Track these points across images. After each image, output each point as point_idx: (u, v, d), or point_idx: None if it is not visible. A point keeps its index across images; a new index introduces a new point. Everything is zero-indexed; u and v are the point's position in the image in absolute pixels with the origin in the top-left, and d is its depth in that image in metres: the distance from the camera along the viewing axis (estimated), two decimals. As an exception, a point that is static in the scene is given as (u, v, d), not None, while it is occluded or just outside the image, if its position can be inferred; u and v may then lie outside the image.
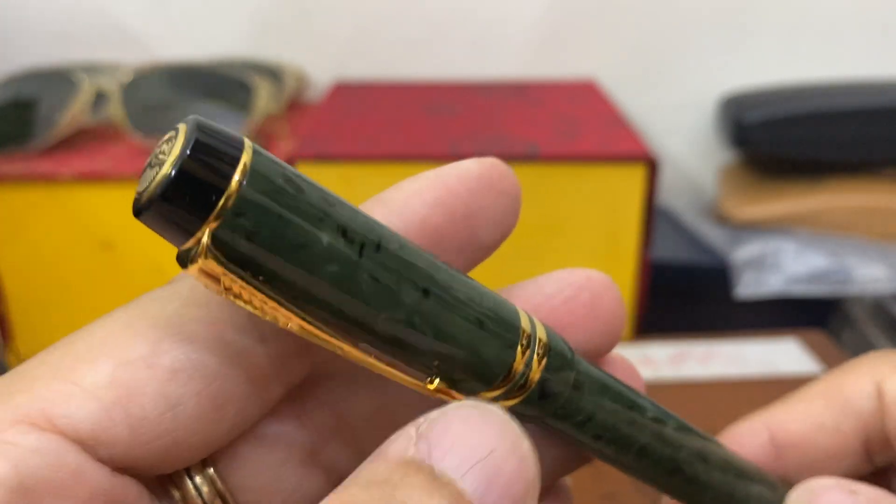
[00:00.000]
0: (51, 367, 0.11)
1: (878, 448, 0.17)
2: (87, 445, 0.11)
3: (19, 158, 0.40)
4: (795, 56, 0.54)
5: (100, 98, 0.43)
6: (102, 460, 0.11)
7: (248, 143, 0.10)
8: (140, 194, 0.10)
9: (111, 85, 0.42)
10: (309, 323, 0.11)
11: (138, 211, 0.10)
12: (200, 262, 0.10)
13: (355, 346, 0.12)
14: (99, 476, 0.11)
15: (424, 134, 0.40)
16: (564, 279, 0.14)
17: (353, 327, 0.11)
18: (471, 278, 0.13)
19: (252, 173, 0.10)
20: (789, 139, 0.47)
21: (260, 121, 0.42)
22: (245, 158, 0.10)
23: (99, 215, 0.39)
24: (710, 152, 0.56)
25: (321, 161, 0.36)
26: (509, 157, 0.36)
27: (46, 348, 0.12)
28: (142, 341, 0.11)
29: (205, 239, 0.10)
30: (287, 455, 0.13)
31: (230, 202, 0.10)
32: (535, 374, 0.13)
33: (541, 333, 0.13)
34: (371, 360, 0.12)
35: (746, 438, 0.17)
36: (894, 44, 0.54)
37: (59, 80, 0.42)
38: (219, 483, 0.13)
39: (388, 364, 0.12)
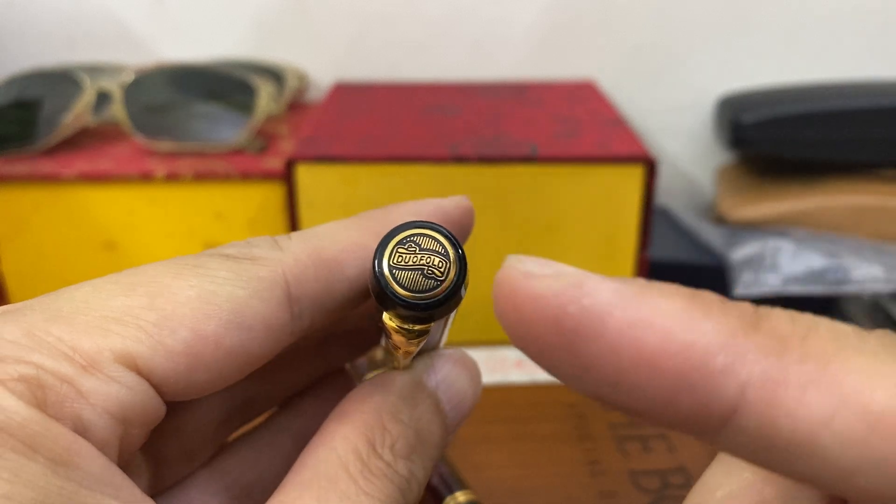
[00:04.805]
0: (132, 313, 0.13)
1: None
2: (156, 389, 0.14)
3: (22, 159, 0.40)
4: (793, 57, 0.54)
5: (102, 99, 0.43)
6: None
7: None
8: (404, 287, 0.14)
9: (113, 86, 0.42)
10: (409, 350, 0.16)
11: (404, 303, 0.14)
12: (409, 329, 0.15)
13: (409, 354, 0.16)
14: (161, 408, 0.14)
15: (424, 135, 0.40)
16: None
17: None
18: None
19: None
20: (786, 139, 0.47)
21: (261, 121, 0.42)
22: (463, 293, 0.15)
23: (102, 216, 0.39)
24: (708, 153, 0.56)
25: (321, 162, 0.36)
26: (508, 158, 0.36)
27: (117, 276, 0.14)
28: (215, 321, 0.14)
29: (427, 326, 0.15)
30: (214, 417, 0.18)
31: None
32: None
33: None
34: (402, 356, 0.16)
35: (717, 377, 0.13)
36: (892, 44, 0.54)
37: (61, 80, 0.42)
38: None
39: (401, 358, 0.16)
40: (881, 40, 0.54)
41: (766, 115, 0.47)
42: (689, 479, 0.27)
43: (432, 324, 0.15)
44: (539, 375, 0.34)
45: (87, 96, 0.42)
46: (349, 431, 0.15)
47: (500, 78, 0.54)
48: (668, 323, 0.10)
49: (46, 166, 0.39)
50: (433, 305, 0.14)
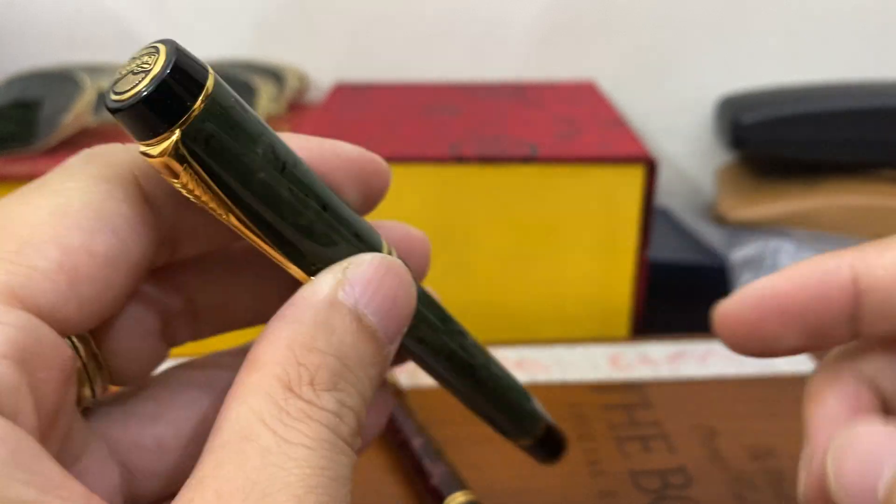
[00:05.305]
0: None
1: None
2: (48, 320, 0.13)
3: (22, 159, 0.40)
4: (793, 57, 0.54)
5: (102, 99, 0.43)
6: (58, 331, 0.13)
7: (211, 70, 0.13)
8: (119, 94, 0.12)
9: (113, 86, 0.42)
10: (238, 219, 0.14)
11: (117, 109, 0.12)
12: (166, 158, 0.13)
13: (265, 243, 0.14)
14: (63, 345, 0.13)
15: (424, 135, 0.40)
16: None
17: (269, 227, 0.14)
18: (346, 203, 0.16)
19: (214, 92, 0.13)
20: (786, 140, 0.47)
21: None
22: (209, 83, 0.13)
23: (101, 215, 0.39)
24: (709, 153, 0.56)
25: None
26: (508, 158, 0.36)
27: None
28: (78, 231, 0.13)
29: (174, 137, 0.12)
30: (146, 329, 0.16)
31: (196, 113, 0.12)
32: None
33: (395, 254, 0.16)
34: (273, 253, 0.15)
35: (829, 275, 0.17)
36: (892, 45, 0.54)
37: (62, 80, 0.42)
38: (92, 344, 0.15)
39: (282, 260, 0.15)
40: (881, 40, 0.54)
41: (766, 115, 0.47)
42: (689, 479, 0.27)
43: (183, 145, 0.12)
44: (539, 375, 0.33)
45: (87, 96, 0.42)
46: (260, 379, 0.13)
47: (500, 78, 0.54)
48: (806, 277, 0.17)
49: (46, 166, 0.39)
50: (142, 101, 0.12)
